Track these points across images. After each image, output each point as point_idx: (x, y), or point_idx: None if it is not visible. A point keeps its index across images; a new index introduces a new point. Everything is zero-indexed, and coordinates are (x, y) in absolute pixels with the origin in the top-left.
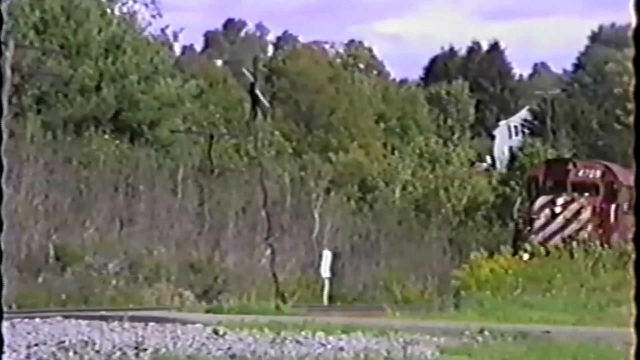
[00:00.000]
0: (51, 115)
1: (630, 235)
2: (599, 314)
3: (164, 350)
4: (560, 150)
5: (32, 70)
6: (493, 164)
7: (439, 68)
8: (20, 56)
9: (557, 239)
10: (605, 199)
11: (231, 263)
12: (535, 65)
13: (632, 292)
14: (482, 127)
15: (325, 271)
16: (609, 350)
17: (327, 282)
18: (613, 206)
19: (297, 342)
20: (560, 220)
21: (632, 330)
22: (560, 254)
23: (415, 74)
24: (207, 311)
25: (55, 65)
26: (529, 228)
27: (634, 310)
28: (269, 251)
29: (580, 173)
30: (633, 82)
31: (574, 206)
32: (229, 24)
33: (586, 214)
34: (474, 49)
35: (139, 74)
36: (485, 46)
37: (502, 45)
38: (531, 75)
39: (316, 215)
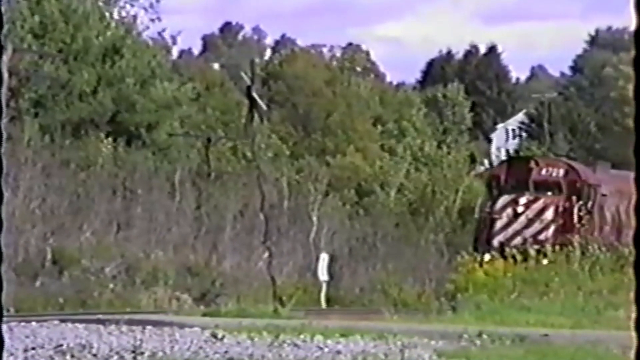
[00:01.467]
0: (48, 118)
1: (588, 235)
2: (597, 317)
3: (161, 353)
4: (558, 153)
5: (30, 73)
6: (490, 167)
7: (436, 71)
8: (18, 59)
9: (519, 240)
10: (568, 198)
11: (228, 266)
12: (533, 68)
13: (632, 294)
14: (480, 130)
15: (322, 274)
16: (606, 353)
17: (324, 285)
18: (577, 206)
19: (295, 345)
20: (522, 220)
21: (632, 333)
22: (556, 257)
23: (413, 77)
24: (205, 314)
25: (53, 69)
26: (490, 228)
27: (634, 313)
28: (266, 254)
29: (543, 171)
30: (633, 83)
31: (537, 205)
32: (226, 27)
33: (549, 213)
34: (472, 52)
35: (137, 77)
36: (482, 49)
37: (500, 48)
38: (529, 79)
39: (314, 219)
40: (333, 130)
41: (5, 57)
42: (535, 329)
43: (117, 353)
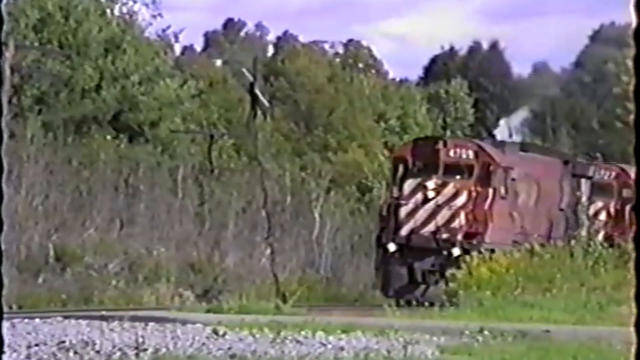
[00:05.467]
0: (51, 115)
1: (505, 225)
2: (599, 313)
3: (164, 350)
4: (561, 148)
5: (32, 70)
6: None
7: (439, 67)
8: (20, 57)
9: (430, 227)
10: (479, 181)
11: (231, 263)
12: (535, 64)
13: (633, 291)
14: (482, 127)
15: (325, 271)
16: (609, 349)
17: (327, 282)
18: (490, 190)
19: (298, 341)
20: (431, 206)
21: (632, 329)
22: (559, 254)
23: (416, 73)
24: (207, 311)
25: (55, 66)
26: (396, 216)
27: (634, 310)
28: (269, 251)
29: (452, 153)
30: (633, 81)
31: (447, 190)
32: (229, 23)
33: (460, 199)
34: (474, 48)
35: (139, 74)
36: (485, 45)
37: (502, 44)
38: (531, 75)
39: (316, 215)
40: (335, 126)
41: (7, 54)
42: (538, 325)
43: (120, 349)
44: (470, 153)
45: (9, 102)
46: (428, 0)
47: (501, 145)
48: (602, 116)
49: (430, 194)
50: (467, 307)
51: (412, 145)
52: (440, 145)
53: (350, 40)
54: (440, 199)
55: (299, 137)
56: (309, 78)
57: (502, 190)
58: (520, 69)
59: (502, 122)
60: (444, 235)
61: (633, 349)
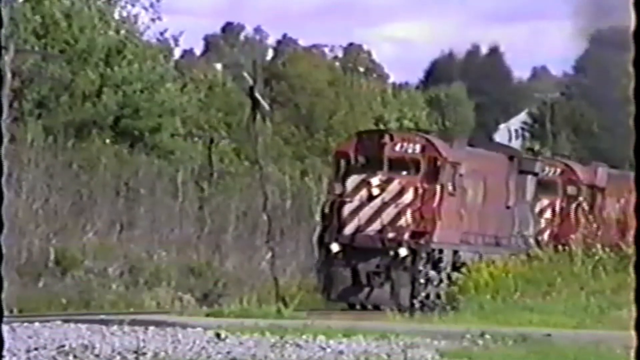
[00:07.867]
0: (51, 119)
1: (453, 223)
2: (600, 317)
3: (164, 354)
4: (560, 153)
5: (33, 74)
6: None
7: (439, 71)
8: (21, 60)
9: (376, 226)
10: (426, 177)
11: (231, 267)
12: (535, 68)
13: (632, 295)
14: (482, 130)
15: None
16: (609, 353)
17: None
18: (438, 187)
19: (298, 345)
20: (376, 204)
21: (632, 333)
22: (559, 257)
23: (416, 77)
24: (208, 315)
25: (56, 70)
26: (339, 214)
27: (634, 313)
28: (269, 254)
29: (398, 147)
30: (633, 83)
31: (393, 187)
32: (228, 27)
33: (407, 196)
34: (474, 52)
35: (139, 78)
36: (485, 49)
37: (502, 48)
38: (531, 78)
39: (317, 219)
40: (336, 130)
41: (7, 58)
42: (538, 328)
43: (120, 354)
44: (417, 147)
45: (10, 105)
46: (429, 4)
47: (449, 139)
48: (603, 120)
49: (375, 191)
50: (467, 310)
51: (356, 139)
52: (386, 139)
53: (350, 44)
54: (386, 196)
55: (300, 140)
56: (309, 82)
57: (450, 187)
58: (521, 72)
59: (502, 125)
60: (390, 235)
61: (632, 353)
